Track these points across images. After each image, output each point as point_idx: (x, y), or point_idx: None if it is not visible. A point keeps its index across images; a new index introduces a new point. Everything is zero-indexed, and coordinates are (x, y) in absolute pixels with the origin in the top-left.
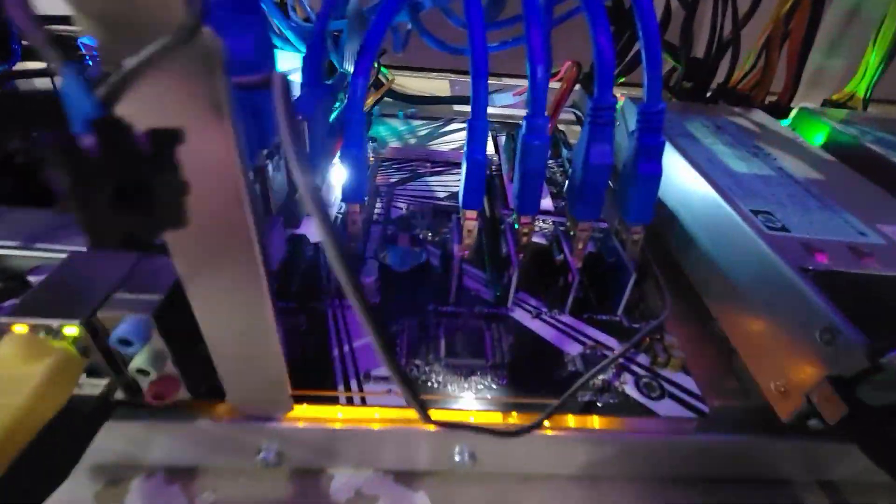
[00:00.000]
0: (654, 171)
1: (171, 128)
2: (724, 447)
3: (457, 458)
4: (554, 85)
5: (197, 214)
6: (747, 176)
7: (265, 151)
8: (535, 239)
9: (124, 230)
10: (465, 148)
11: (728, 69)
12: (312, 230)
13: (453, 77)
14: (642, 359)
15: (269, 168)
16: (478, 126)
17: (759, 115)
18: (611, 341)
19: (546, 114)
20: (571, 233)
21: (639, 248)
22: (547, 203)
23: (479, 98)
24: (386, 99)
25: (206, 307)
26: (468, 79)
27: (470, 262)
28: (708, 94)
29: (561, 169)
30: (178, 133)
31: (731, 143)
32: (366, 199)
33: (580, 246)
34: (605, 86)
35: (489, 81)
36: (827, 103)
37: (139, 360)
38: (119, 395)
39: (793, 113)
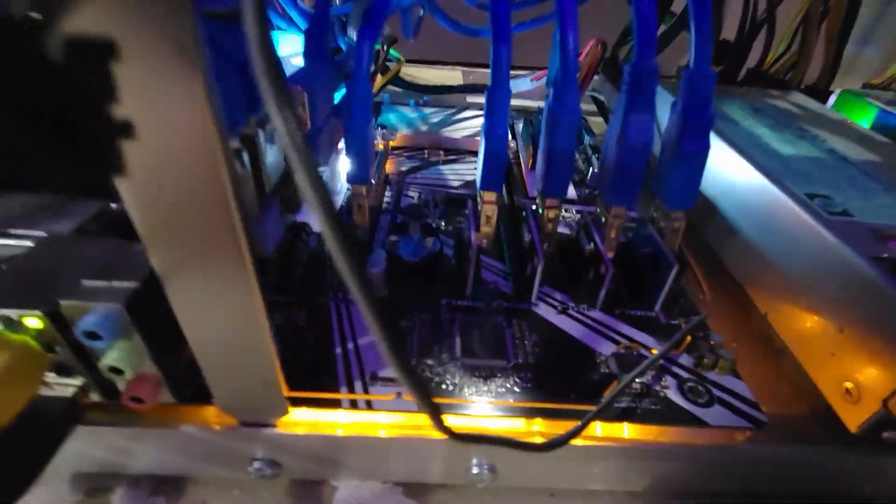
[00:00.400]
0: (702, 148)
1: (99, 37)
2: (785, 461)
3: (474, 471)
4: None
5: (165, 191)
6: (796, 158)
7: (254, 118)
8: (559, 229)
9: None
10: (484, 122)
11: (761, 52)
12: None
13: (467, 69)
14: (685, 360)
15: (261, 138)
16: (498, 96)
17: (800, 97)
18: (647, 340)
19: None
20: (603, 220)
21: (679, 237)
22: (570, 191)
23: (501, 63)
24: (396, 88)
25: (184, 301)
26: (483, 70)
27: (487, 252)
28: (738, 80)
29: (583, 156)
30: (110, 46)
31: (773, 125)
32: (373, 182)
33: (613, 234)
34: (646, 44)
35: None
36: (867, 87)
37: (111, 357)
38: (96, 396)
39: (833, 97)
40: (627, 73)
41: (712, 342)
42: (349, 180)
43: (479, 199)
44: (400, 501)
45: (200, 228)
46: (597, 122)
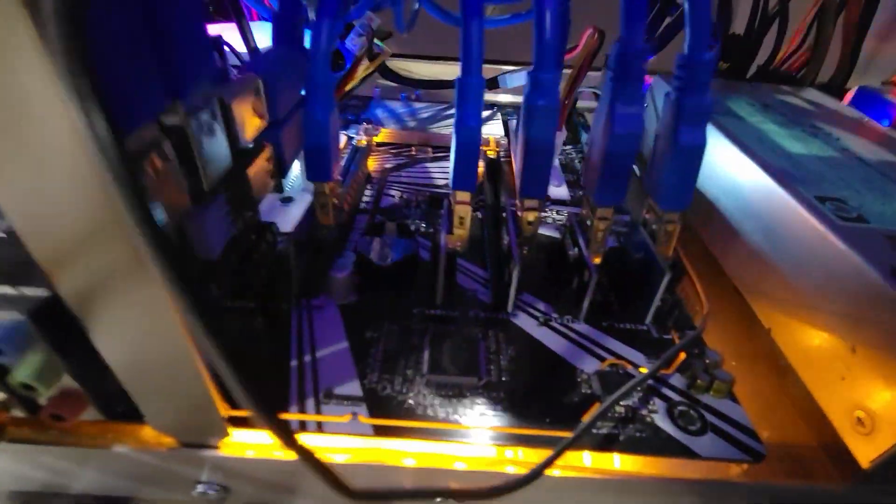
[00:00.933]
0: (698, 141)
1: None
2: (785, 500)
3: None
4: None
5: (45, 207)
6: (807, 158)
7: (182, 106)
8: (547, 232)
9: None
10: (455, 114)
11: (772, 47)
12: (283, 218)
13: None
14: (677, 380)
15: (194, 127)
16: (470, 84)
17: (813, 94)
18: (636, 356)
19: (561, 97)
20: (588, 222)
21: (673, 241)
22: (562, 191)
23: (471, 46)
24: (389, 83)
25: (94, 321)
26: (485, 65)
27: (468, 257)
28: (748, 76)
29: (580, 155)
30: None
31: (784, 122)
32: (340, 179)
33: (599, 237)
34: (634, 24)
35: (499, 67)
36: (886, 85)
37: (21, 374)
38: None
39: (850, 94)
40: (612, 57)
41: (708, 361)
42: (308, 177)
43: (451, 198)
44: None
45: (98, 245)
46: None
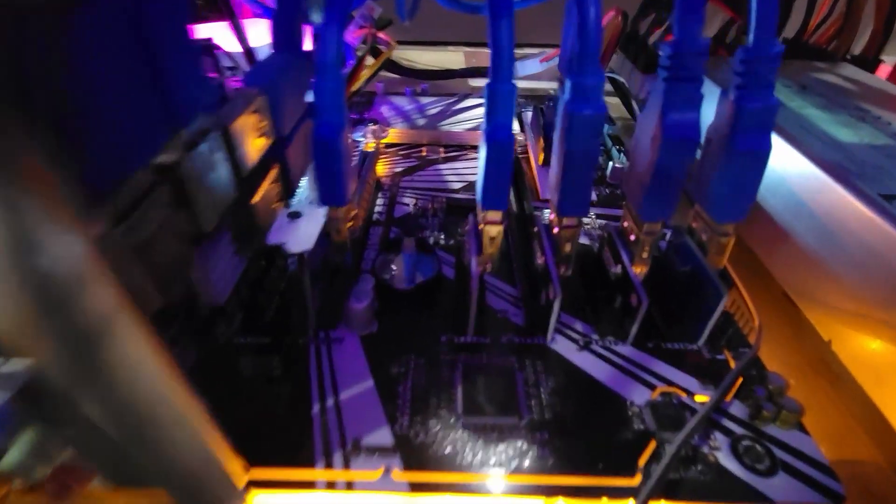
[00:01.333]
0: (762, 146)
1: None
2: None
3: None
4: None
5: None
6: (860, 147)
7: (178, 139)
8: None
9: None
10: (484, 125)
11: (803, 19)
12: (292, 237)
13: (469, 49)
14: (737, 408)
15: (193, 165)
16: (501, 91)
17: (850, 69)
18: (689, 382)
19: None
20: (632, 236)
21: (727, 254)
22: None
23: (502, 51)
24: (390, 75)
25: (79, 389)
26: (487, 50)
27: (494, 272)
28: None
29: (602, 149)
30: None
31: (826, 105)
32: (355, 196)
33: (645, 254)
34: (691, 18)
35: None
36: None
37: (8, 461)
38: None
39: (885, 68)
40: (664, 56)
41: (771, 386)
42: (321, 202)
43: (480, 217)
44: None
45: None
46: (614, 104)
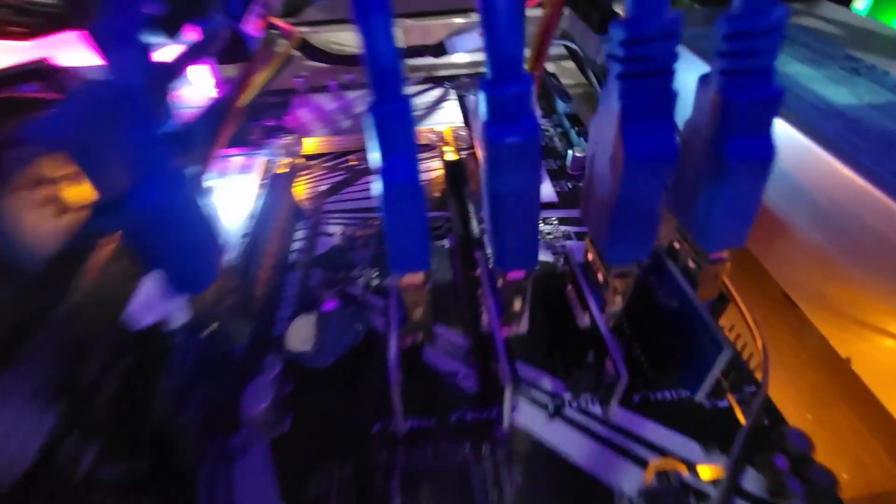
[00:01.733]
0: (762, 153)
1: None
2: None
3: None
4: (532, 13)
5: None
6: (861, 110)
7: None
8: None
9: None
10: (376, 162)
11: None
12: (169, 308)
13: (409, 21)
14: (751, 481)
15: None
16: (390, 113)
17: (830, 8)
18: (689, 447)
19: (526, 67)
20: (600, 277)
21: (719, 282)
22: (547, 190)
23: (384, 63)
24: (308, 63)
25: None
26: (433, 20)
27: (438, 317)
28: None
29: (559, 131)
30: None
31: (812, 58)
32: (240, 261)
33: (617, 302)
34: None
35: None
36: None
37: None
38: None
39: (862, 1)
40: (615, 42)
41: (792, 451)
42: (174, 292)
43: (397, 285)
44: None
45: None
46: (570, 70)
